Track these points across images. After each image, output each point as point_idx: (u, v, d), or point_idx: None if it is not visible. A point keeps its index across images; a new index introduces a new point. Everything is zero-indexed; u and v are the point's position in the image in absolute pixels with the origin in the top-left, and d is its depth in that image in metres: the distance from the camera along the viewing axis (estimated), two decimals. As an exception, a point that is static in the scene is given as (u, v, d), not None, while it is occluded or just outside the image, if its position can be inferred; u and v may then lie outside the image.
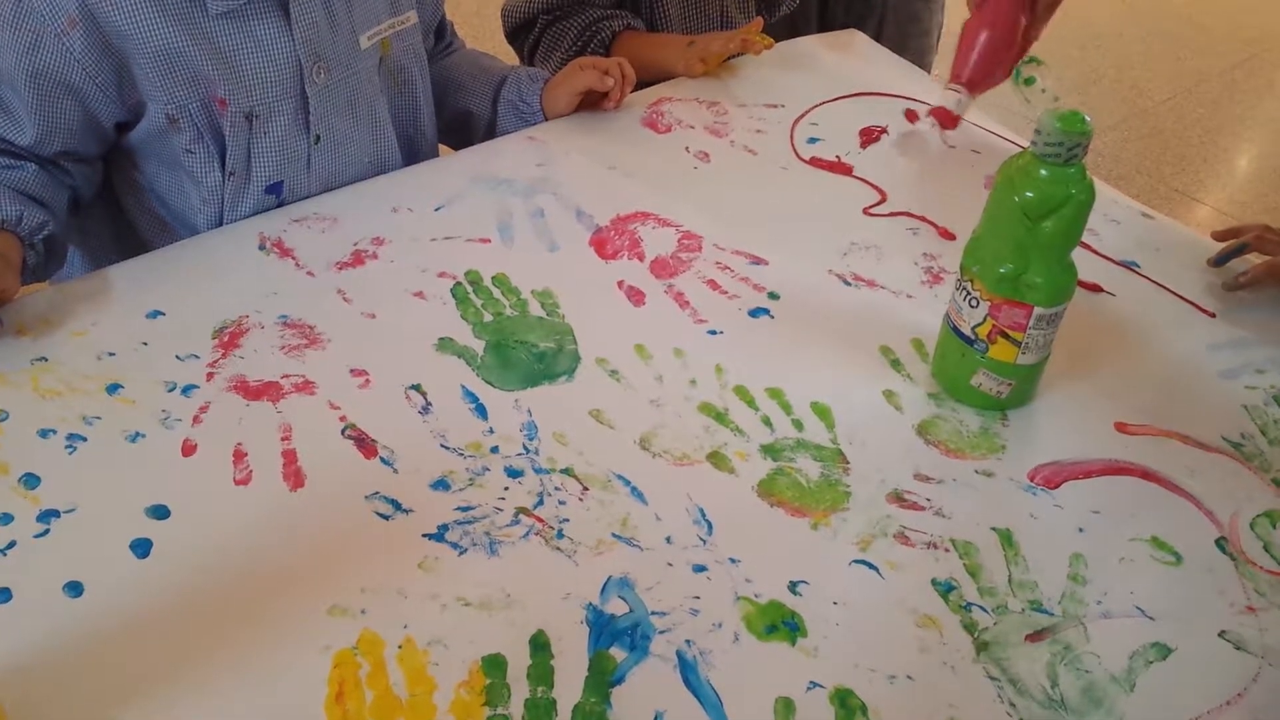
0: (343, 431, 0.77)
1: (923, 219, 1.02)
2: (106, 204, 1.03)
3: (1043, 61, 0.71)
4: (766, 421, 0.81)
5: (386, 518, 0.72)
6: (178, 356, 0.82)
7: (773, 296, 0.92)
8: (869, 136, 1.12)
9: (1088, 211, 0.75)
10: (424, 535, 0.71)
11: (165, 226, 1.02)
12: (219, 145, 0.95)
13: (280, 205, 0.99)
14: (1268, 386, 0.87)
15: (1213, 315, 0.93)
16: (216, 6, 0.90)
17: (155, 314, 0.86)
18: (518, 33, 1.28)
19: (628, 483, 0.76)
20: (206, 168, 0.96)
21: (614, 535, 0.72)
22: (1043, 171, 0.74)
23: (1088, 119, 0.73)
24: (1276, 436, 0.83)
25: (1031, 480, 0.78)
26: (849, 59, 1.26)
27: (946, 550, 0.73)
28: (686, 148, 1.09)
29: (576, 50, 1.21)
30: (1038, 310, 0.77)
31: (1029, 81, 0.72)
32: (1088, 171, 0.75)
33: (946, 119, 1.08)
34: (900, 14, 1.55)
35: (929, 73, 1.49)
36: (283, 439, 0.76)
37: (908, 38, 1.52)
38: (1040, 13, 1.01)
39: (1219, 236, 1.00)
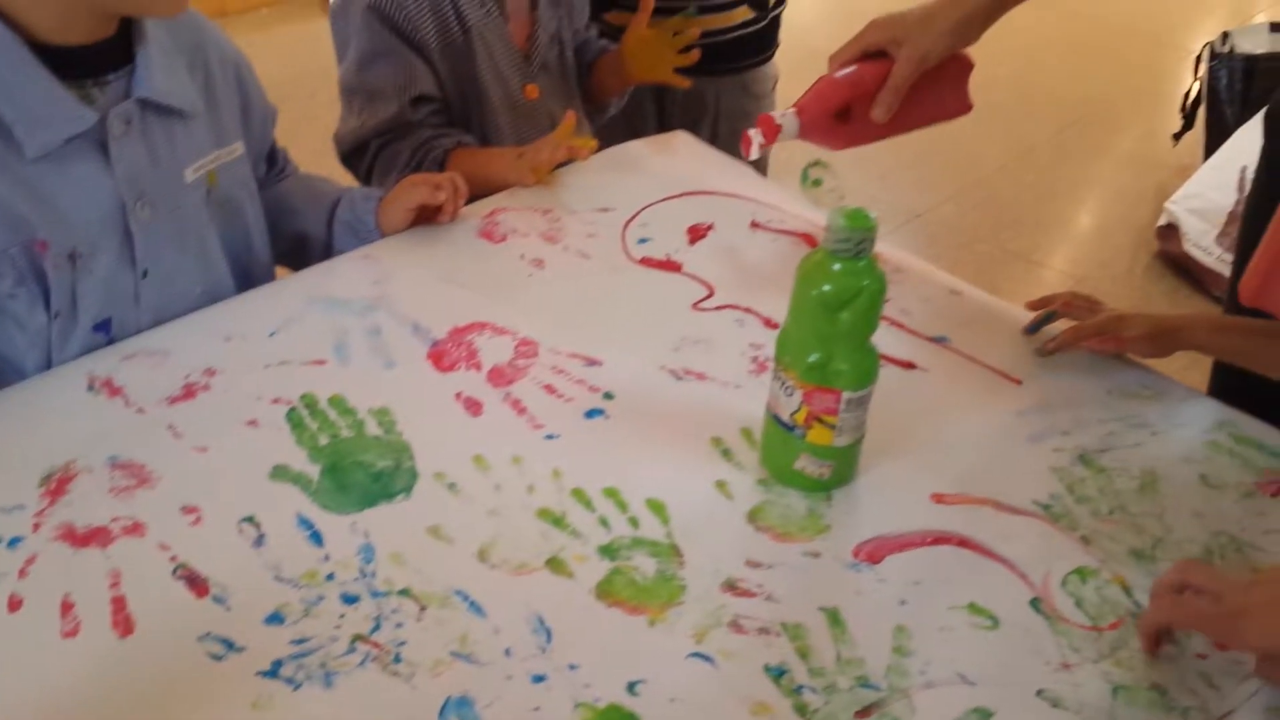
0: (173, 572, 0.77)
1: (748, 310, 1.06)
2: None
3: (828, 165, 0.76)
4: (603, 522, 0.83)
5: (219, 658, 0.71)
6: (2, 509, 0.81)
7: (608, 397, 0.95)
8: (696, 234, 1.17)
9: (881, 299, 0.80)
10: (258, 673, 0.70)
11: None
12: (42, 287, 0.93)
13: (110, 342, 0.98)
14: (1072, 447, 0.92)
15: (1019, 382, 0.99)
16: (33, 150, 0.89)
17: (-22, 466, 0.85)
18: (351, 158, 1.30)
19: (466, 598, 0.77)
20: (31, 311, 0.94)
21: (452, 653, 0.73)
22: (835, 266, 0.79)
23: (872, 215, 0.78)
24: (1083, 495, 0.88)
25: (856, 557, 0.81)
26: (677, 159, 1.31)
27: (777, 634, 0.76)
28: (521, 255, 1.12)
29: (411, 169, 1.24)
30: (846, 394, 0.81)
31: (816, 183, 0.77)
32: (877, 263, 0.80)
33: (769, 128, 1.05)
34: (733, 112, 1.62)
35: (764, 171, 1.56)
36: (111, 585, 0.75)
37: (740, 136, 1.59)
38: (895, 79, 1.02)
39: (1031, 306, 1.07)
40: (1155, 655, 0.75)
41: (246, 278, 1.11)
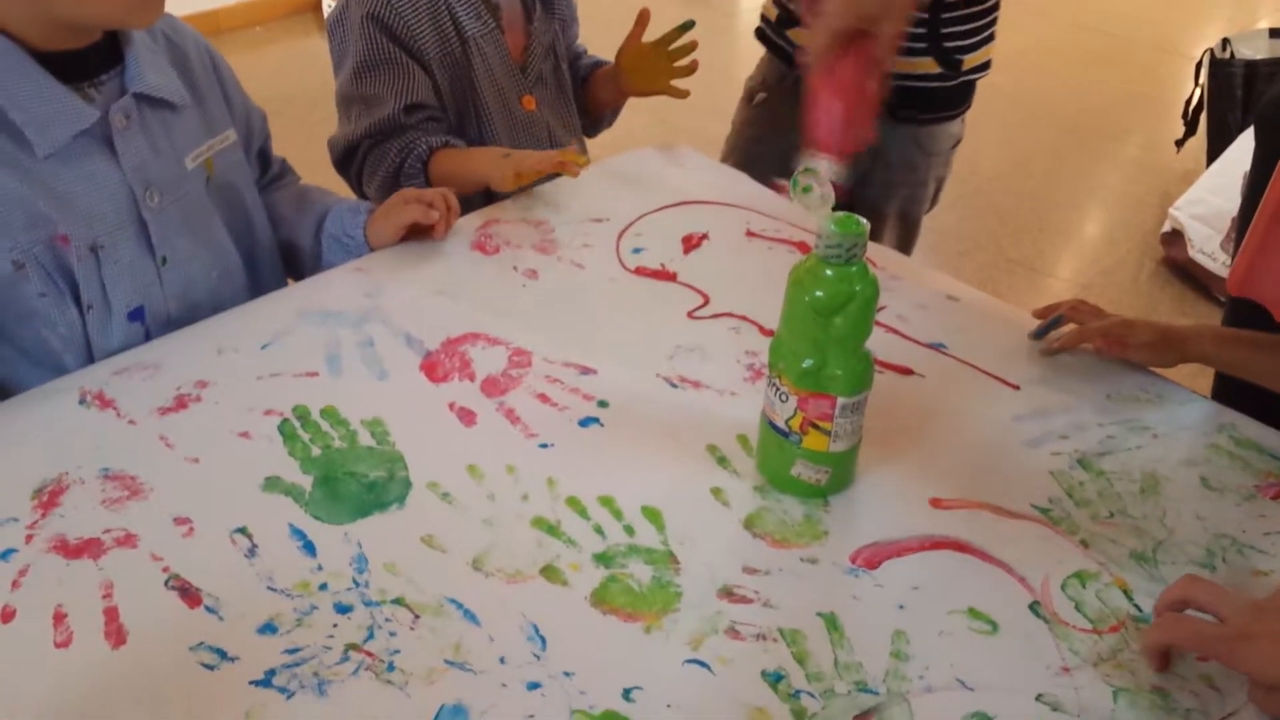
0: (166, 583, 0.76)
1: (744, 318, 1.06)
2: None
3: (817, 171, 0.76)
4: (599, 530, 0.83)
5: (212, 668, 0.71)
6: (-5, 521, 0.81)
7: (602, 405, 0.95)
8: (691, 243, 1.17)
9: (874, 305, 0.80)
10: (251, 682, 0.70)
11: (39, 379, 0.99)
12: (70, 282, 0.97)
13: (146, 334, 1.01)
14: (1071, 451, 0.92)
15: (1017, 388, 0.99)
16: (44, 149, 0.93)
17: (-28, 481, 0.84)
18: (343, 162, 1.30)
19: (460, 606, 0.76)
20: (62, 307, 0.97)
21: (446, 662, 0.72)
22: (827, 272, 0.78)
23: (862, 221, 0.78)
24: (1082, 499, 0.88)
25: (853, 562, 0.81)
26: (671, 169, 1.31)
27: (775, 640, 0.75)
28: (515, 266, 1.12)
29: (396, 166, 1.24)
30: (841, 400, 0.81)
31: (806, 190, 0.77)
32: (870, 268, 0.79)
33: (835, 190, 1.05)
34: (899, 162, 1.54)
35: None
36: (104, 596, 0.75)
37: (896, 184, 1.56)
38: (881, 61, 0.96)
39: (1039, 314, 1.07)
40: (1164, 671, 0.74)
41: (253, 261, 1.14)
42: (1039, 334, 1.04)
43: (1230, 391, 1.04)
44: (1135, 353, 0.99)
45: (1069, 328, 1.03)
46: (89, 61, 0.97)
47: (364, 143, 1.27)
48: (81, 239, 0.95)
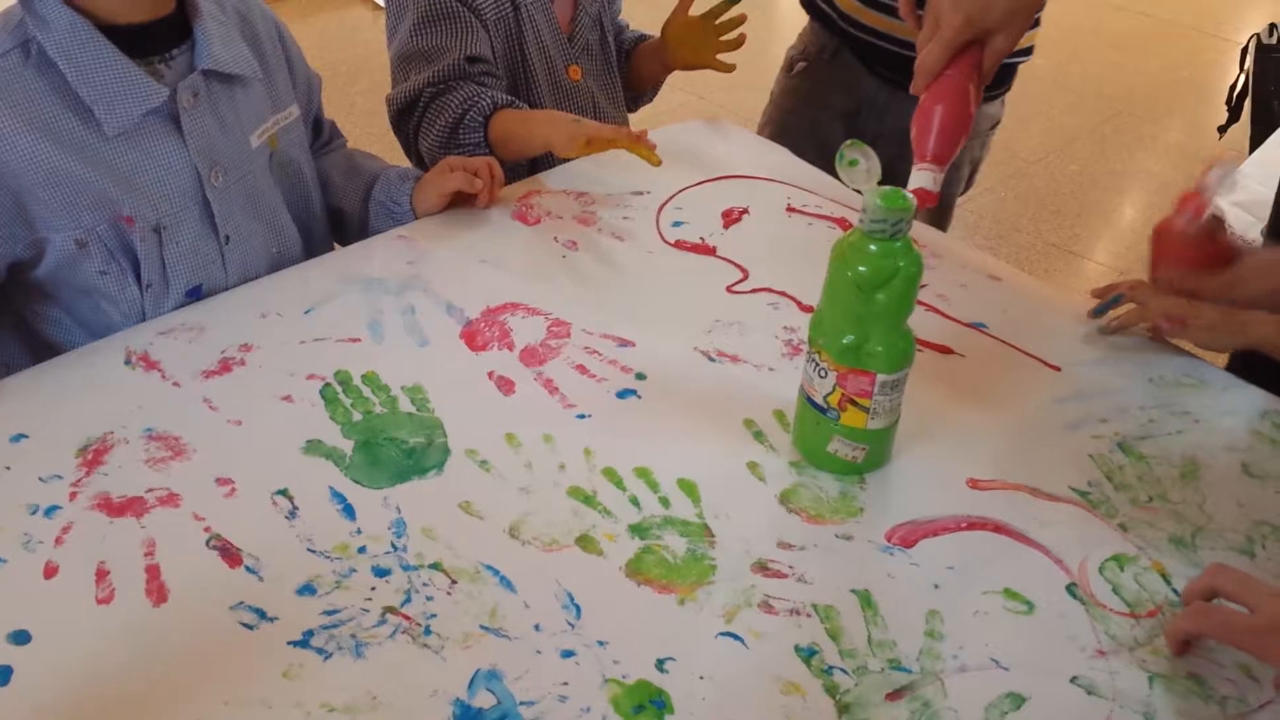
0: (207, 543, 0.77)
1: (783, 294, 1.05)
2: (19, 336, 1.03)
3: (864, 145, 0.75)
4: (634, 501, 0.83)
5: (251, 627, 0.72)
6: (40, 478, 0.82)
7: (640, 377, 0.95)
8: (731, 217, 1.17)
9: (917, 281, 0.79)
10: (289, 643, 0.71)
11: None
12: (132, 261, 0.97)
13: None
14: (1111, 434, 0.91)
15: (1058, 369, 0.98)
16: (113, 128, 0.92)
17: (18, 437, 0.85)
18: (401, 117, 1.28)
19: (496, 573, 0.77)
20: (121, 285, 0.98)
21: (482, 627, 0.73)
22: (871, 247, 0.78)
23: (909, 195, 0.77)
24: (1121, 482, 0.87)
25: (889, 541, 0.81)
26: (715, 143, 1.31)
27: (808, 615, 0.75)
28: (555, 238, 1.12)
29: (457, 117, 1.21)
30: (880, 377, 0.80)
31: (852, 163, 0.76)
32: (914, 244, 0.79)
33: (926, 198, 1.01)
34: None
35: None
36: (146, 554, 0.76)
37: None
38: (986, 72, 0.98)
39: (1098, 293, 1.05)
40: (1182, 655, 0.73)
41: (309, 237, 1.14)
42: (1098, 312, 1.03)
43: (1243, 373, 1.02)
44: (1196, 334, 0.97)
45: (1128, 307, 1.02)
46: (160, 35, 0.96)
47: (425, 93, 1.24)
48: (145, 220, 0.96)
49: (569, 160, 1.21)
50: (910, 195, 0.77)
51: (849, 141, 0.78)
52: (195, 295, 1.01)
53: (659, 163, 1.13)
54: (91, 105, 0.91)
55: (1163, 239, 1.01)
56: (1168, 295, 1.00)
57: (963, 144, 0.98)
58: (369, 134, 1.33)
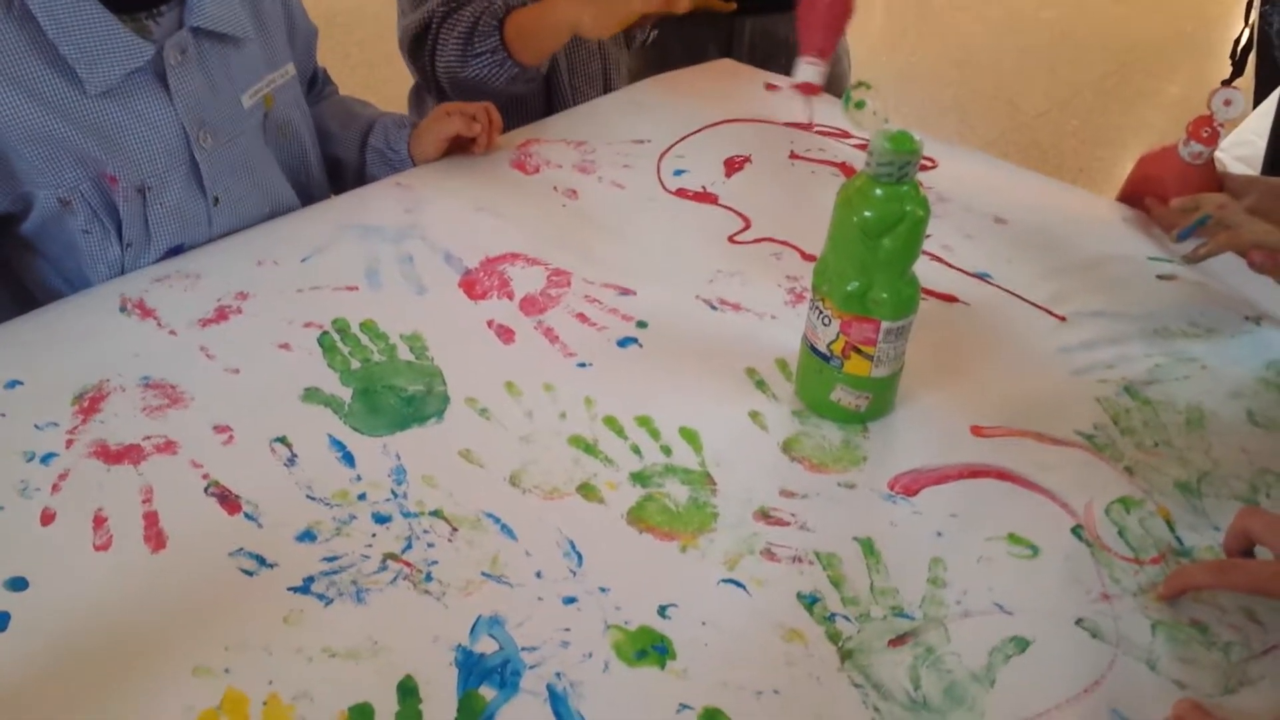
0: (205, 489, 0.77)
1: (785, 243, 1.04)
2: (7, 286, 1.02)
3: (871, 85, 0.74)
4: (635, 449, 0.82)
5: (250, 574, 0.71)
6: (36, 425, 0.81)
7: (641, 325, 0.94)
8: (733, 166, 1.15)
9: (924, 227, 0.78)
10: (289, 589, 0.70)
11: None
12: (114, 220, 0.95)
13: None
14: (1118, 379, 0.90)
15: (1063, 319, 0.97)
16: (95, 87, 0.90)
17: (14, 384, 0.85)
18: (415, 44, 1.26)
19: (497, 520, 0.76)
20: (104, 245, 0.96)
21: (483, 574, 0.72)
22: (878, 191, 0.76)
23: (916, 138, 0.76)
24: (1128, 425, 0.86)
25: (891, 489, 0.80)
26: (716, 87, 1.29)
27: (811, 563, 0.75)
28: (555, 187, 1.11)
29: (470, 27, 1.19)
30: (885, 324, 0.80)
31: (859, 105, 0.75)
32: (921, 188, 0.78)
33: (810, 90, 1.06)
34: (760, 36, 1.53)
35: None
36: (144, 501, 0.76)
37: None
38: None
39: (1179, 205, 0.99)
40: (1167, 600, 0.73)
41: (306, 198, 1.12)
42: (1182, 236, 0.98)
43: None
44: None
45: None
46: None
47: (438, 13, 1.22)
48: (129, 180, 0.94)
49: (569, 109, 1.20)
50: (918, 137, 0.75)
51: (855, 83, 0.76)
52: (176, 254, 0.99)
53: (734, 7, 1.15)
54: (73, 63, 0.88)
55: (1156, 169, 0.99)
56: (1255, 218, 0.94)
57: (844, 35, 1.00)
58: (366, 85, 1.32)
